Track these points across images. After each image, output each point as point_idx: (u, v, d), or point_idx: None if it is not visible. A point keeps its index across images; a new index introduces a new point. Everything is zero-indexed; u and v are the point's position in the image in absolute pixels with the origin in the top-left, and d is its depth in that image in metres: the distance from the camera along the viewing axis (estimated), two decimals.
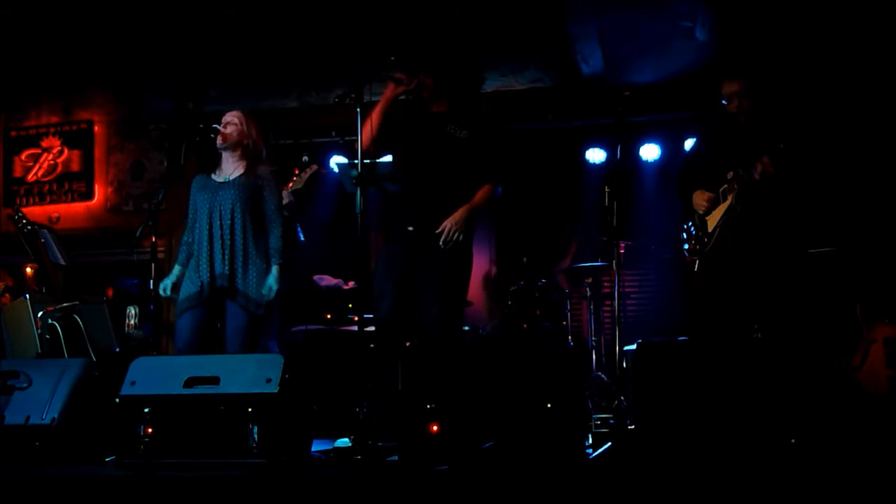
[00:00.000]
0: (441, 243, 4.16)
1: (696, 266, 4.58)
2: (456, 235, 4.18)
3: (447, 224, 4.19)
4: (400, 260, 4.27)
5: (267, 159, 4.84)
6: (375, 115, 4.28)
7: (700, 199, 4.58)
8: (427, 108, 4.40)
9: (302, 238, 5.72)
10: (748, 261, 4.39)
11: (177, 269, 4.73)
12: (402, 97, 4.35)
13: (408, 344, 4.43)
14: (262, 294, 4.59)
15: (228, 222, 4.63)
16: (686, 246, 4.69)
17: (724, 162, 4.49)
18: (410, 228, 4.24)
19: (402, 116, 4.38)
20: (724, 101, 4.53)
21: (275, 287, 4.60)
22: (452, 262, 4.24)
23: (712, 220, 4.52)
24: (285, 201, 4.95)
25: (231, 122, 4.75)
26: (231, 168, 4.74)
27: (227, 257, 4.60)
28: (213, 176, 4.75)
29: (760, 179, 4.27)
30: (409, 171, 4.34)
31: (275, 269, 4.62)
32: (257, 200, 4.69)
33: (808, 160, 4.29)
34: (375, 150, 4.40)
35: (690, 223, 4.68)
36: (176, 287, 4.67)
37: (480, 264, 4.57)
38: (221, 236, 4.62)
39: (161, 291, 4.68)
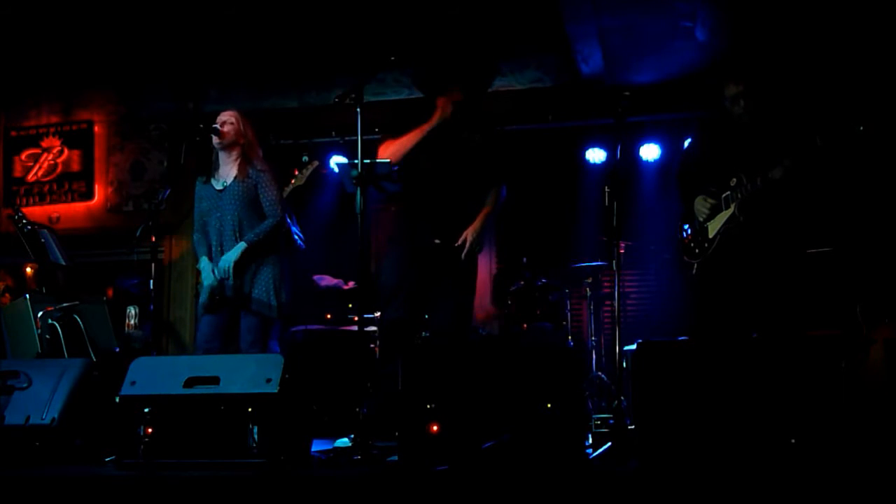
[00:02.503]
0: (463, 256, 4.19)
1: (695, 269, 4.58)
2: (478, 248, 4.23)
3: (468, 236, 4.22)
4: (419, 262, 4.28)
5: (262, 159, 4.84)
6: (415, 141, 4.27)
7: (702, 207, 4.56)
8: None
9: (303, 246, 5.72)
10: (749, 265, 4.38)
11: (203, 259, 4.75)
12: (405, 94, 4.36)
13: (416, 342, 4.47)
14: (272, 297, 4.63)
15: (231, 232, 4.66)
16: (683, 248, 4.69)
17: (726, 165, 4.47)
18: (437, 241, 4.26)
19: (418, 121, 4.37)
20: (726, 103, 4.51)
21: (228, 261, 4.58)
22: (468, 267, 4.29)
23: (713, 227, 4.51)
24: None
25: (228, 121, 4.76)
26: (227, 170, 4.76)
27: (237, 265, 4.62)
28: (213, 181, 4.76)
29: (782, 179, 4.24)
30: (430, 179, 4.34)
31: (239, 245, 4.61)
32: (255, 201, 4.71)
33: (827, 163, 4.27)
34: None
35: (687, 225, 4.67)
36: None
37: (481, 264, 4.60)
38: (226, 246, 4.65)
39: (206, 297, 4.71)
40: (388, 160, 4.30)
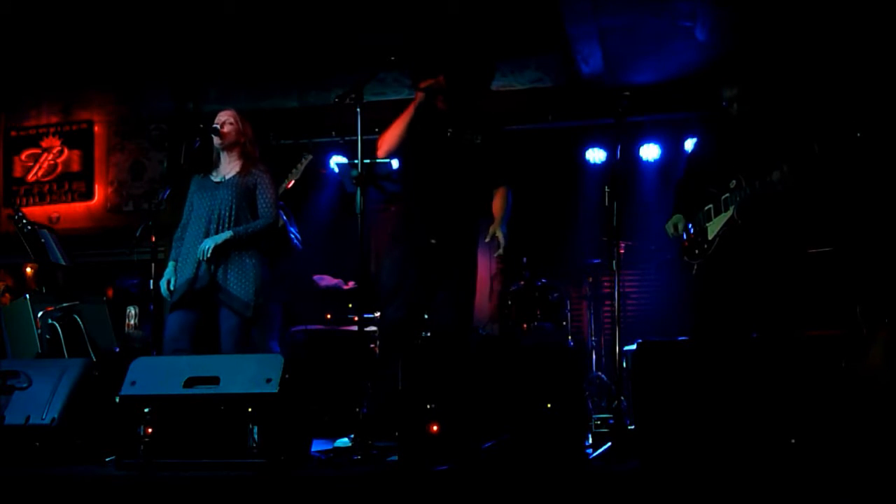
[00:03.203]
0: (501, 251, 4.27)
1: (695, 269, 4.59)
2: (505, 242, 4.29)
3: (497, 231, 4.30)
4: (418, 263, 4.28)
5: (261, 159, 4.85)
6: (402, 127, 4.26)
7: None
8: (439, 113, 4.38)
9: (299, 247, 5.71)
10: (748, 266, 4.39)
11: (171, 265, 4.72)
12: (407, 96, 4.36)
13: (416, 342, 4.47)
14: (251, 296, 4.58)
15: (224, 224, 4.64)
16: (684, 248, 4.70)
17: (726, 166, 4.47)
18: (433, 241, 4.26)
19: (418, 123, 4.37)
20: (724, 104, 4.52)
21: (209, 243, 4.53)
22: (467, 266, 4.28)
23: (713, 228, 4.52)
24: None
25: (228, 121, 4.76)
26: (228, 167, 4.76)
27: (219, 257, 4.59)
28: (211, 176, 4.77)
29: (779, 183, 4.25)
30: (429, 180, 4.34)
31: (226, 233, 4.57)
32: (251, 199, 4.70)
33: (825, 169, 4.28)
34: (392, 157, 4.41)
35: (690, 225, 4.68)
36: (173, 282, 4.67)
37: (481, 265, 4.60)
38: (212, 233, 4.63)
39: (165, 293, 4.69)
40: (388, 158, 4.30)
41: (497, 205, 4.40)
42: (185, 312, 4.59)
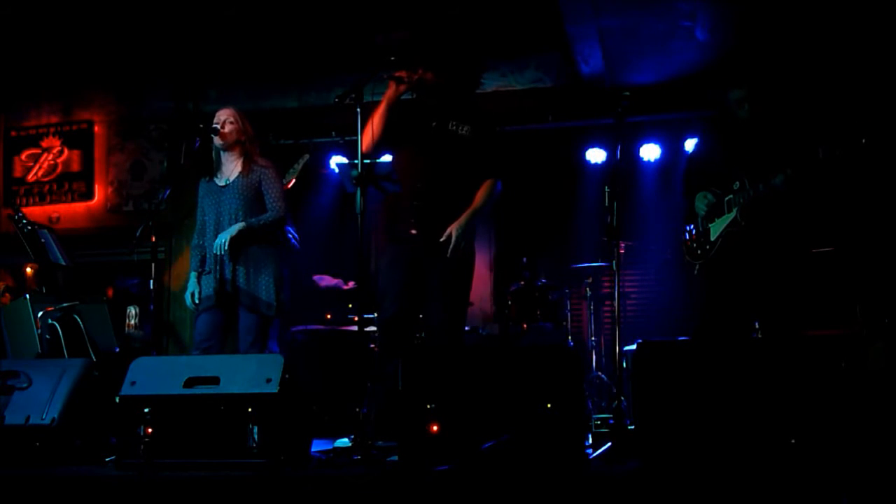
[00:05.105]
0: (449, 253, 4.16)
1: (697, 269, 4.59)
2: (462, 243, 4.19)
3: (453, 231, 4.18)
4: (406, 259, 4.27)
5: (262, 156, 4.86)
6: (378, 117, 4.26)
7: (701, 203, 4.58)
8: (427, 105, 4.39)
9: (297, 247, 5.73)
10: (750, 267, 4.39)
11: (192, 275, 4.77)
12: (405, 96, 4.35)
13: (412, 342, 4.45)
14: (272, 295, 4.62)
15: (230, 224, 4.64)
16: (686, 248, 4.70)
17: (730, 167, 4.47)
18: (414, 231, 4.23)
19: (403, 116, 4.37)
20: (730, 106, 4.52)
21: (224, 237, 4.57)
22: (458, 263, 4.25)
23: (715, 230, 4.52)
24: None
25: (228, 119, 4.76)
26: (230, 168, 4.77)
27: (237, 256, 4.61)
28: (216, 179, 4.77)
29: (783, 186, 4.24)
30: (412, 172, 4.33)
31: (238, 224, 4.61)
32: (259, 197, 4.72)
33: (829, 173, 4.27)
34: (377, 151, 4.40)
35: (691, 226, 4.68)
36: (197, 293, 4.71)
37: (480, 264, 4.58)
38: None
39: (190, 305, 4.72)
40: (371, 153, 4.29)
41: (477, 196, 4.32)
42: (213, 313, 4.67)
